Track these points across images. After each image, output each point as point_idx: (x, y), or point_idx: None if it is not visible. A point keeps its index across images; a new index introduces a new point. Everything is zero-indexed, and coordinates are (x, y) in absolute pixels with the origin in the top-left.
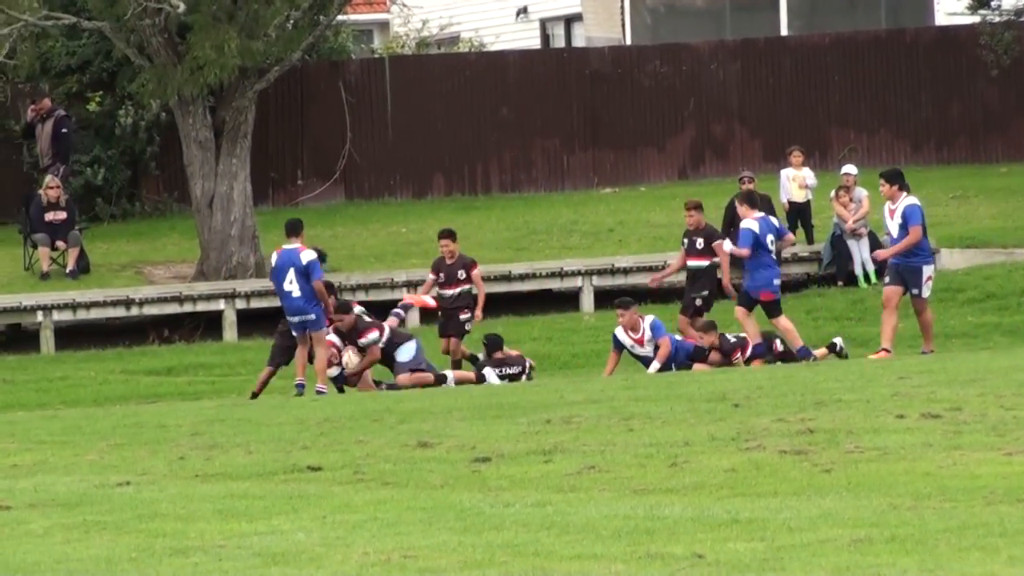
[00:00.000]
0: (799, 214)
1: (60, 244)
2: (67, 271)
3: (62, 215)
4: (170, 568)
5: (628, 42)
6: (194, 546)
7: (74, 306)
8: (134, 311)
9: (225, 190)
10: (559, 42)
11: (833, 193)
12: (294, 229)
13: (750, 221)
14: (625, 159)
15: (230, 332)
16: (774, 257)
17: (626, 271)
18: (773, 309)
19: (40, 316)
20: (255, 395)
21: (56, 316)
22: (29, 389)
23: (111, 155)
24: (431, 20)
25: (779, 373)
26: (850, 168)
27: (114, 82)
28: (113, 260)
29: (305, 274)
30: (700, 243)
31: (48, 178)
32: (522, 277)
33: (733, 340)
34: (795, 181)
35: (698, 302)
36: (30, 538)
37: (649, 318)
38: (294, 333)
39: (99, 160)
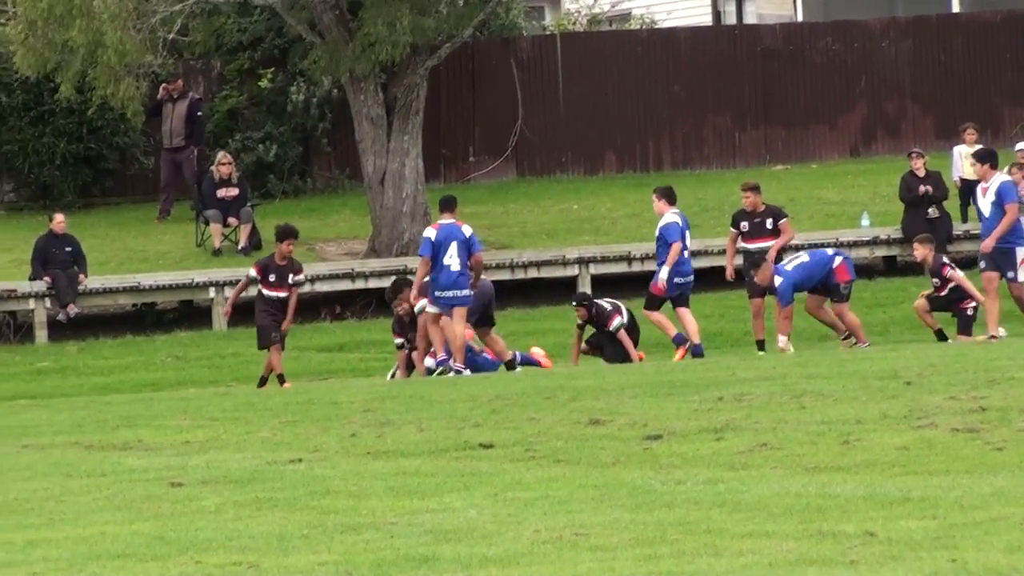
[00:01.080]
0: (971, 191)
1: (232, 221)
2: (239, 247)
3: (234, 192)
4: (342, 545)
5: (799, 19)
6: (366, 523)
7: None
8: (306, 288)
9: (397, 167)
10: (730, 19)
11: (1006, 170)
12: (449, 205)
13: (672, 215)
14: (797, 136)
15: None
16: (687, 255)
17: (798, 248)
18: (652, 302)
19: (212, 293)
20: (264, 381)
21: (228, 293)
22: (201, 366)
23: (283, 132)
24: None
25: (951, 351)
26: (1023, 145)
27: (286, 59)
28: None
29: (467, 247)
30: (769, 223)
31: (220, 154)
32: (694, 254)
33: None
34: (968, 159)
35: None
36: (202, 515)
37: (777, 280)
38: (436, 310)
39: (271, 136)
